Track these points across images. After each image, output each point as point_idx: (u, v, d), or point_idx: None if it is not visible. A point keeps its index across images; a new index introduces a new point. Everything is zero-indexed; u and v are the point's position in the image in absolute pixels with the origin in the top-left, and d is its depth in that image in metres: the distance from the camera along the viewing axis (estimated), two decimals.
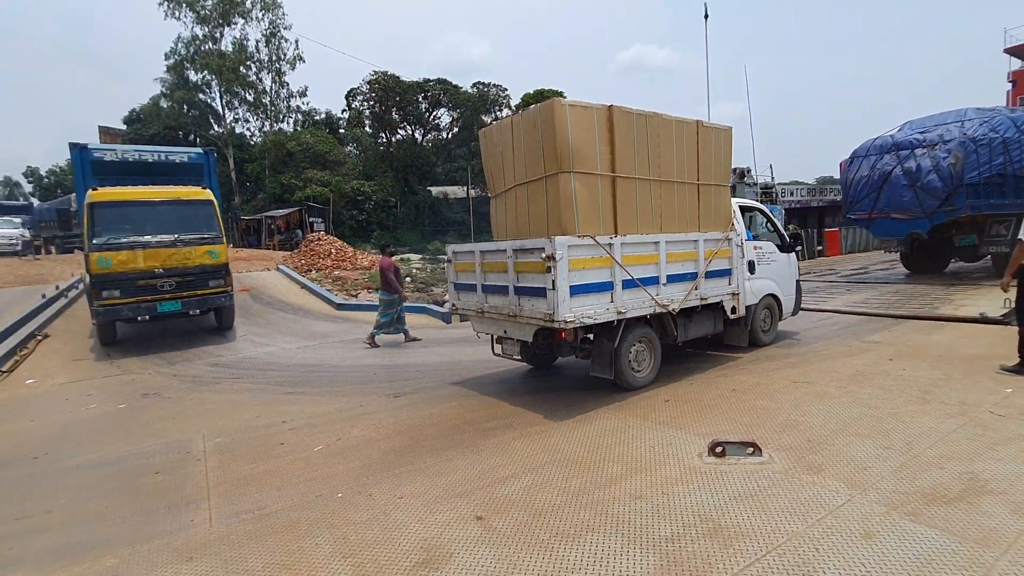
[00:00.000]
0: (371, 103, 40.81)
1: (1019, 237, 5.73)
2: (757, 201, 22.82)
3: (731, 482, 3.74)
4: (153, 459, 4.90)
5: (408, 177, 40.86)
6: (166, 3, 38.23)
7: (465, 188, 42.55)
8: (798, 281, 8.56)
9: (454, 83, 41.24)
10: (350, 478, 4.20)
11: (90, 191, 9.50)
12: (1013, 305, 6.03)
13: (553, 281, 5.04)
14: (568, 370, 7.31)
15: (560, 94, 40.18)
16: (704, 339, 7.19)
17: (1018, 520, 3.10)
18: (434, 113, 42.94)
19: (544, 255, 5.09)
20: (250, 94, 41.76)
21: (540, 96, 39.63)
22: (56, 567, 3.24)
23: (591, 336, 5.83)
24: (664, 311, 6.03)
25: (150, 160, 11.18)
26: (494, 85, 42.17)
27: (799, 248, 8.63)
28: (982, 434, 4.33)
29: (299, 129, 43.42)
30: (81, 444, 5.45)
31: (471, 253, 6.29)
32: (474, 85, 41.77)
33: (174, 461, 4.81)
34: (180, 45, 39.81)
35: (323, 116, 48.32)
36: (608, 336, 5.74)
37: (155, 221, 9.75)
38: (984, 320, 8.48)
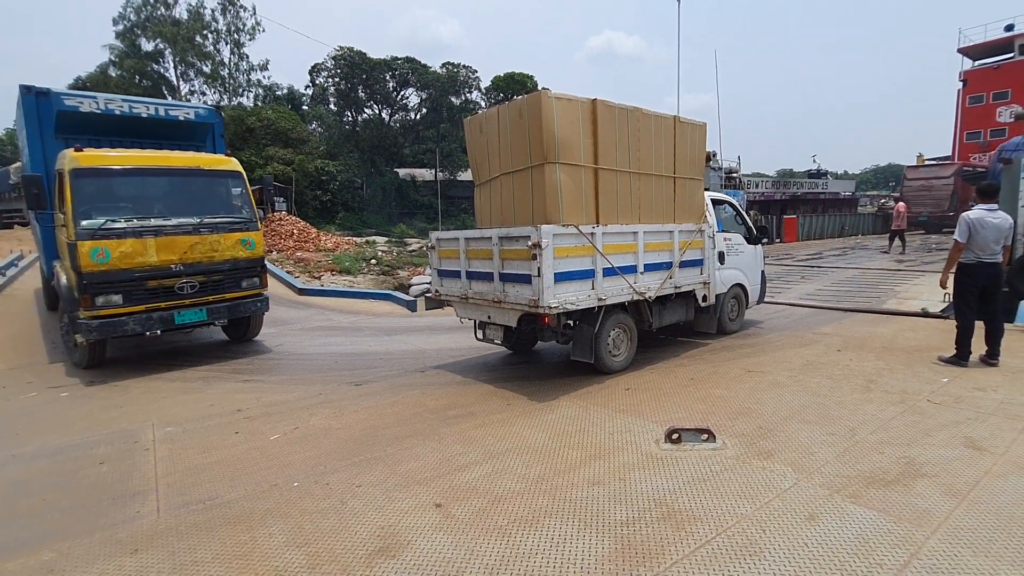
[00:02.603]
0: (336, 80, 39.66)
1: (955, 238, 6.03)
2: (720, 185, 23.29)
3: (686, 468, 3.84)
4: (97, 449, 4.69)
5: (375, 158, 40.04)
6: None
7: (433, 171, 41.99)
8: (763, 272, 8.89)
9: (423, 62, 40.45)
10: (307, 467, 4.12)
11: (71, 153, 6.66)
12: (951, 300, 6.38)
13: (538, 268, 5.15)
14: (541, 357, 7.37)
15: (531, 78, 39.94)
16: (676, 326, 7.42)
17: (948, 501, 3.30)
18: (402, 93, 42.10)
19: (530, 243, 5.19)
20: (207, 65, 39.90)
21: (511, 79, 39.30)
22: None
23: (572, 322, 6.01)
24: (641, 298, 6.25)
25: (143, 115, 8.07)
26: (464, 66, 41.59)
27: (765, 240, 8.90)
28: (919, 421, 4.57)
29: (260, 104, 41.80)
30: (18, 435, 5.17)
31: (455, 240, 6.32)
32: (443, 65, 41.11)
33: (120, 451, 4.62)
34: (130, 10, 37.60)
35: (285, 92, 46.68)
36: (589, 322, 5.90)
37: (166, 198, 7.27)
38: (925, 314, 8.94)
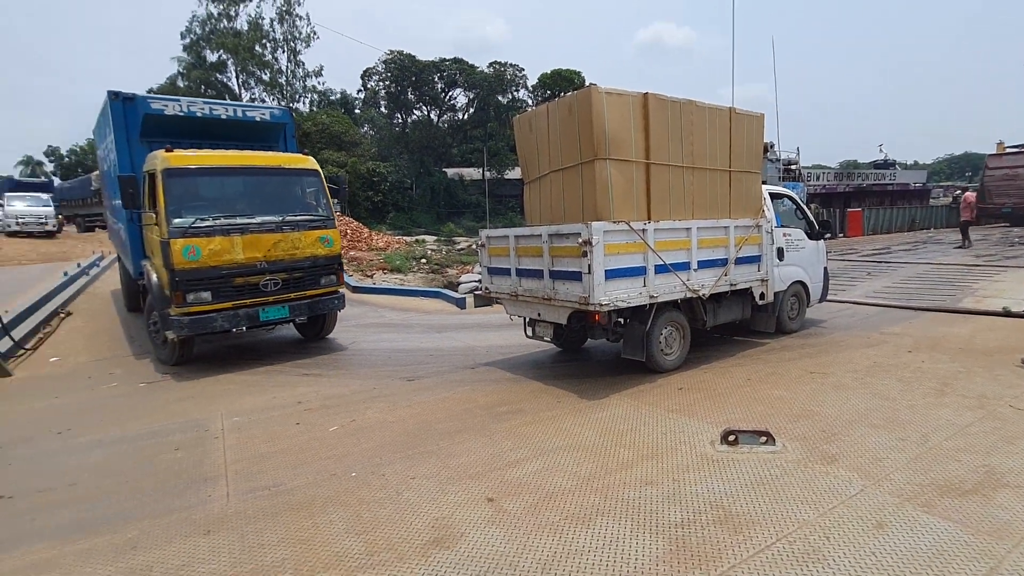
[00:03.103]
0: (387, 83, 40.64)
1: None
2: (778, 178, 22.31)
3: (743, 470, 3.74)
4: (172, 437, 5.01)
5: (424, 158, 40.79)
6: None
7: (481, 170, 42.37)
8: (826, 268, 8.48)
9: (470, 63, 40.85)
10: (364, 458, 4.27)
11: (162, 153, 6.83)
12: None
13: (589, 265, 5.13)
14: (590, 355, 7.32)
15: (578, 74, 39.62)
16: (732, 325, 7.21)
17: None
18: (450, 93, 42.67)
19: (580, 240, 5.17)
20: (266, 74, 41.79)
21: (557, 76, 39.10)
22: (77, 539, 3.35)
23: (623, 320, 5.95)
24: (694, 296, 6.11)
25: (222, 117, 8.22)
26: (511, 65, 41.73)
27: (828, 235, 8.47)
28: (1000, 427, 4.25)
29: (315, 109, 43.42)
30: (103, 421, 5.60)
31: (505, 238, 6.38)
32: (490, 65, 41.36)
33: (193, 439, 4.92)
34: (196, 24, 39.85)
35: (338, 96, 48.21)
36: (640, 320, 5.83)
37: (247, 197, 7.41)
38: (1008, 314, 8.29)
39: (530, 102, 42.49)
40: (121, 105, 7.81)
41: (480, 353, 7.63)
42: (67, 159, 58.52)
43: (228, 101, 8.75)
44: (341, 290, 8.03)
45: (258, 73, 41.53)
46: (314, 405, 5.66)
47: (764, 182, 7.41)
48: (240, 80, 41.50)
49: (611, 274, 5.29)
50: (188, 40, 40.38)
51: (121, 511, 3.67)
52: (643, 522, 3.17)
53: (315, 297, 7.61)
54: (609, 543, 2.98)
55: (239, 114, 8.49)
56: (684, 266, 5.99)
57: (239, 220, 7.03)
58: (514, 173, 42.68)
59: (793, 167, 25.32)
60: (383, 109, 43.99)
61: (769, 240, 7.05)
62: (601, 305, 5.17)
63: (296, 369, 7.22)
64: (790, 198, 8.18)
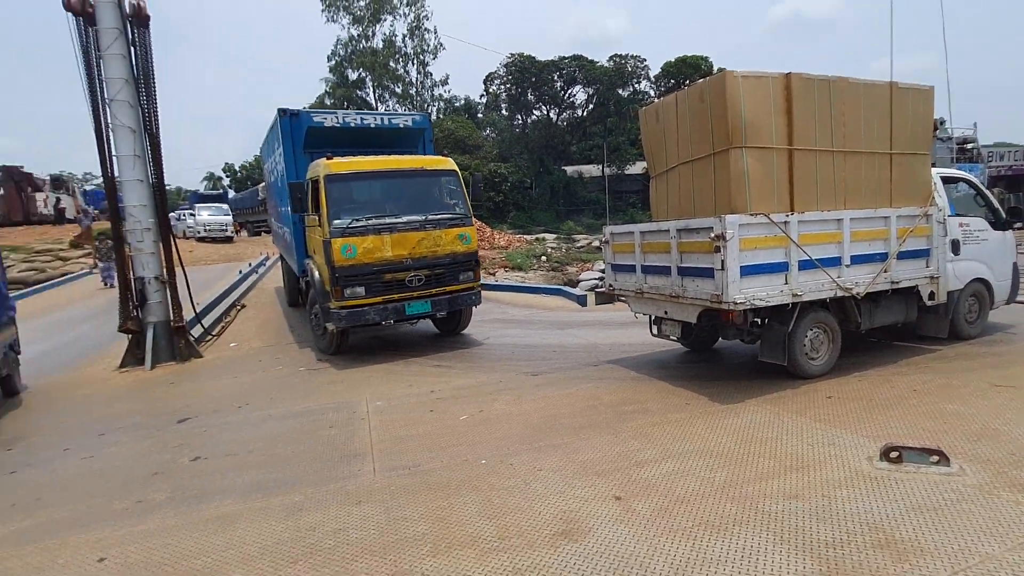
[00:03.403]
0: (507, 86, 41.74)
1: None
2: (951, 159, 19.25)
3: (908, 492, 3.30)
4: (327, 416, 5.63)
5: (543, 157, 41.30)
6: (327, 10, 42.47)
7: (600, 167, 41.88)
8: (1015, 264, 7.15)
9: (589, 58, 40.53)
10: (493, 447, 4.45)
11: (324, 161, 7.51)
12: None
13: (722, 261, 4.86)
14: (721, 357, 6.96)
15: (704, 60, 37.56)
16: (892, 328, 6.42)
17: None
18: (569, 91, 42.69)
19: (712, 235, 4.92)
20: (398, 87, 45.08)
21: (683, 64, 37.37)
22: (256, 497, 3.90)
23: (760, 320, 5.60)
24: (846, 295, 5.52)
25: (372, 126, 8.94)
26: (631, 56, 40.66)
27: (1018, 225, 7.15)
28: None
29: (441, 116, 45.95)
30: (272, 399, 6.45)
31: (630, 234, 6.27)
32: (610, 59, 40.67)
33: (344, 419, 5.49)
34: (339, 46, 44.15)
35: (462, 102, 50.50)
36: (781, 320, 5.41)
37: (393, 198, 7.95)
38: None
39: (652, 93, 41.11)
40: (288, 121, 8.77)
41: (603, 350, 7.56)
42: (239, 174, 67.89)
43: (373, 111, 9.60)
44: (478, 286, 8.33)
45: (392, 87, 44.94)
46: (445, 395, 6.01)
47: (933, 164, 6.45)
48: (376, 94, 45.24)
49: (747, 270, 4.95)
50: (333, 62, 44.91)
51: (289, 477, 4.21)
52: (786, 537, 2.94)
53: (454, 293, 7.96)
54: (747, 555, 2.80)
55: (385, 122, 9.28)
56: (834, 261, 5.42)
57: (387, 220, 7.56)
58: (635, 168, 41.59)
59: (969, 146, 21.69)
60: (504, 112, 45.26)
61: (940, 231, 6.15)
62: (735, 304, 4.86)
63: (429, 361, 7.72)
64: (968, 182, 7.04)
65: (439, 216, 7.87)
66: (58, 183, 33.97)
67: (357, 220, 7.38)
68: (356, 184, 7.76)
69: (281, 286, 14.31)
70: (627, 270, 6.40)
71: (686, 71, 38.28)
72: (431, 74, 46.28)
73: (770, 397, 5.15)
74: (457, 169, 8.37)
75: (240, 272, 17.36)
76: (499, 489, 3.71)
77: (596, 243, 25.25)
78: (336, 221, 7.28)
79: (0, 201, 28.85)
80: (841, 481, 3.49)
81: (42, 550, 3.39)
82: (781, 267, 5.16)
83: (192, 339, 9.16)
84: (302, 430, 5.28)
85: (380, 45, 43.76)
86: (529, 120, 44.32)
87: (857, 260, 5.55)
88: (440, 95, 48.17)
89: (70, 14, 8.15)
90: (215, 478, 4.30)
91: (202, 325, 10.24)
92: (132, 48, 8.49)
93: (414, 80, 45.77)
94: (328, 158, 7.58)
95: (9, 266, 17.79)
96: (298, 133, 8.72)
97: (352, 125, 8.84)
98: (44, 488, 4.40)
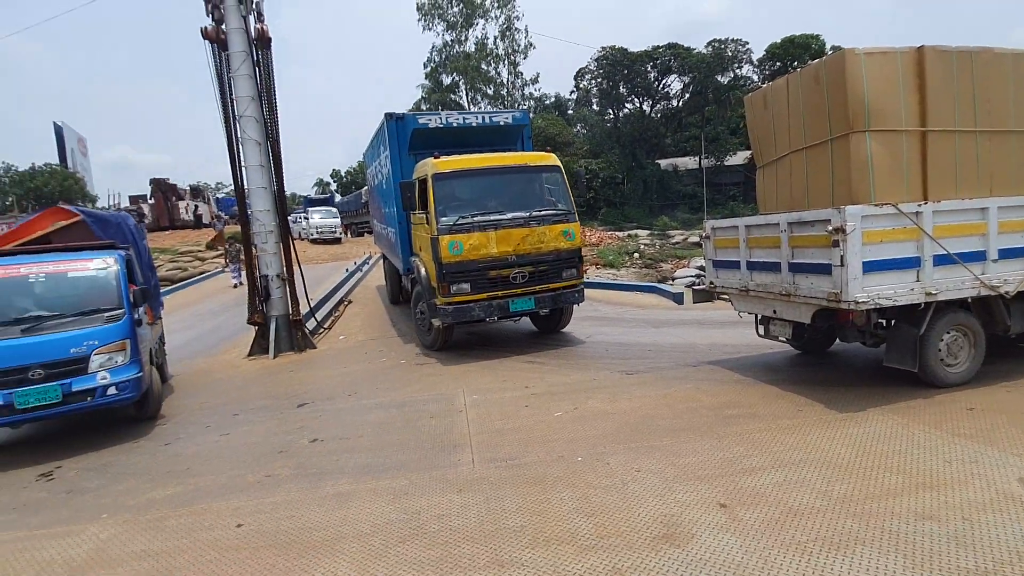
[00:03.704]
0: (599, 80, 41.09)
1: None
2: None
3: None
4: (427, 406, 5.90)
5: (636, 151, 40.20)
6: (423, 19, 44.23)
7: (696, 159, 40.05)
8: None
9: (685, 46, 38.82)
10: (588, 445, 4.43)
11: (432, 160, 7.69)
12: None
13: (841, 256, 4.46)
14: (837, 360, 6.44)
15: (815, 39, 34.74)
16: None
17: None
18: (663, 81, 41.18)
19: (830, 228, 4.52)
20: (490, 88, 45.93)
21: (790, 45, 34.77)
22: (366, 479, 4.19)
23: (886, 321, 5.11)
24: (992, 294, 4.88)
25: (474, 124, 9.06)
26: (732, 40, 38.37)
27: None
28: None
29: (532, 115, 46.21)
30: (378, 388, 6.87)
31: (734, 228, 5.98)
32: (708, 44, 38.67)
33: (442, 410, 5.72)
34: (435, 53, 45.82)
35: (553, 100, 50.46)
36: (911, 321, 4.88)
37: (498, 195, 7.90)
38: None
39: (755, 78, 38.59)
40: (395, 124, 9.02)
41: (701, 351, 7.25)
42: (345, 178, 72.83)
43: (474, 111, 9.46)
44: (581, 284, 8.22)
45: (483, 88, 45.89)
46: (540, 391, 6.07)
47: None
48: (468, 97, 46.42)
49: (871, 266, 4.50)
50: (429, 68, 46.70)
51: (395, 462, 4.47)
52: (919, 561, 2.66)
53: (558, 290, 7.88)
54: None
55: (486, 120, 9.32)
56: (977, 256, 4.80)
57: (493, 216, 7.61)
58: (735, 159, 39.30)
59: None
60: (595, 107, 44.62)
61: None
62: (857, 303, 4.43)
63: (522, 358, 7.82)
64: None
65: (543, 212, 7.83)
66: (196, 192, 38.58)
67: (463, 217, 7.48)
68: (462, 181, 7.80)
69: (382, 284, 15.17)
70: (730, 267, 6.07)
71: (794, 52, 35.44)
72: (521, 74, 46.66)
73: (897, 406, 4.66)
74: (561, 164, 8.29)
75: (346, 271, 18.65)
76: (596, 487, 3.70)
77: (692, 239, 24.20)
78: (443, 218, 7.41)
79: (150, 209, 33.32)
80: (986, 503, 3.10)
81: (192, 513, 3.88)
82: (911, 263, 4.64)
83: (307, 331, 9.99)
84: (405, 419, 5.58)
85: (472, 48, 44.86)
86: (621, 114, 43.32)
87: (1006, 254, 4.86)
88: (531, 94, 48.45)
89: (207, 42, 9.20)
90: (331, 459, 4.68)
91: (315, 319, 11.13)
92: (256, 68, 9.41)
93: (505, 80, 46.46)
94: (435, 157, 7.75)
95: (158, 266, 20.48)
96: (403, 135, 8.96)
97: (454, 125, 8.94)
98: (191, 459, 5.02)
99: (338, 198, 52.00)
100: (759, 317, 6.12)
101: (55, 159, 40.35)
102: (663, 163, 41.95)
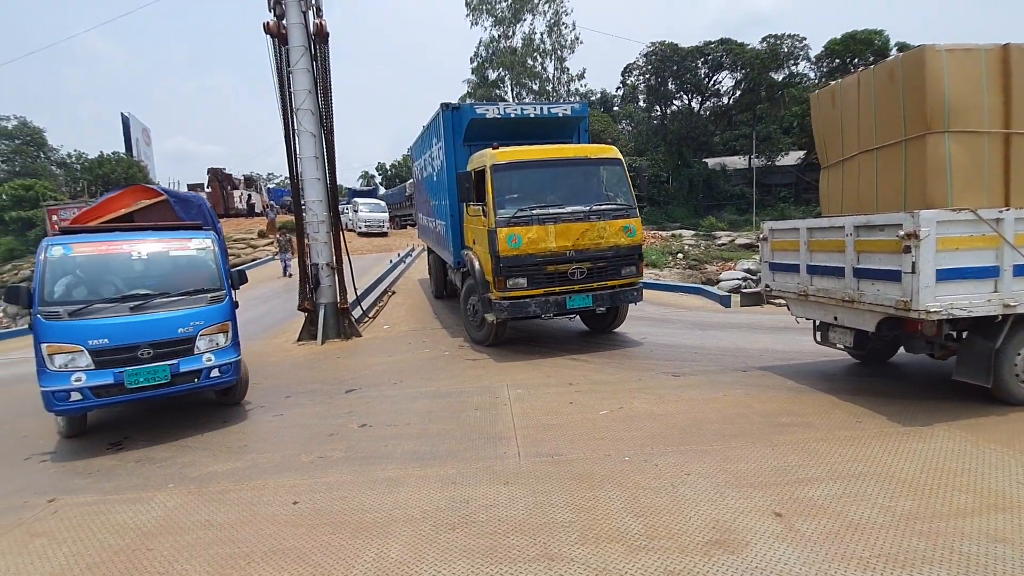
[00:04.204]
0: (647, 76, 40.33)
1: None
2: None
3: None
4: (471, 398, 5.96)
5: (682, 149, 39.31)
6: (471, 14, 44.41)
7: (746, 158, 38.87)
8: None
9: (739, 41, 37.63)
10: (635, 445, 4.39)
11: (490, 151, 7.55)
12: None
13: (913, 263, 4.26)
14: (899, 372, 6.16)
15: (879, 34, 33.13)
16: None
17: None
18: (714, 78, 40.06)
19: (902, 232, 4.31)
20: (535, 83, 45.78)
21: (851, 41, 33.27)
22: (415, 466, 4.28)
23: (957, 332, 4.85)
24: None
25: (532, 116, 8.85)
26: (788, 36, 36.96)
27: None
28: None
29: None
30: (422, 378, 6.99)
31: (794, 231, 5.74)
32: (763, 40, 37.35)
33: (486, 402, 5.77)
34: (481, 49, 45.97)
35: (598, 96, 49.88)
36: (987, 334, 4.63)
37: (556, 187, 7.68)
38: None
39: (812, 75, 37.04)
40: (450, 114, 8.89)
41: (751, 356, 7.05)
42: (389, 172, 74.14)
43: (532, 102, 8.98)
44: (640, 283, 7.97)
45: (529, 83, 45.76)
46: (583, 388, 6.05)
47: None
48: (514, 92, 46.39)
49: (945, 275, 4.27)
50: (475, 63, 46.89)
51: (442, 451, 4.55)
52: None
53: (616, 288, 7.66)
54: None
55: (544, 112, 9.05)
56: None
57: (552, 210, 7.39)
58: (787, 159, 37.94)
59: None
60: (641, 103, 43.84)
61: None
62: (928, 312, 4.22)
63: (565, 354, 7.80)
64: None
65: (603, 207, 7.59)
66: (249, 182, 40.03)
67: (522, 210, 7.30)
68: (521, 173, 7.58)
69: (424, 277, 15.38)
70: (788, 270, 5.87)
71: (855, 49, 33.79)
72: (567, 69, 46.29)
73: (966, 423, 4.42)
74: (621, 158, 8.06)
75: (390, 262, 19.02)
76: (645, 488, 3.66)
77: (740, 240, 23.53)
78: (501, 210, 7.26)
79: (207, 197, 34.76)
80: None
81: (251, 488, 4.06)
82: (989, 272, 4.38)
83: (353, 320, 10.25)
84: (450, 409, 5.65)
85: (519, 44, 44.78)
86: (668, 111, 42.41)
87: None
88: (576, 90, 47.99)
89: (268, 36, 9.52)
90: (379, 444, 4.79)
91: (361, 308, 11.41)
92: (313, 62, 9.67)
93: (551, 76, 46.18)
94: (494, 147, 7.61)
95: None
96: (459, 126, 8.83)
97: (512, 116, 8.76)
98: (248, 437, 5.25)
99: (382, 191, 52.97)
100: (817, 323, 5.89)
101: (122, 148, 42.64)
102: (710, 162, 40.88)
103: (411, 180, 26.00)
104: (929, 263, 4.22)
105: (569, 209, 7.42)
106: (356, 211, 30.77)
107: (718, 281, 16.76)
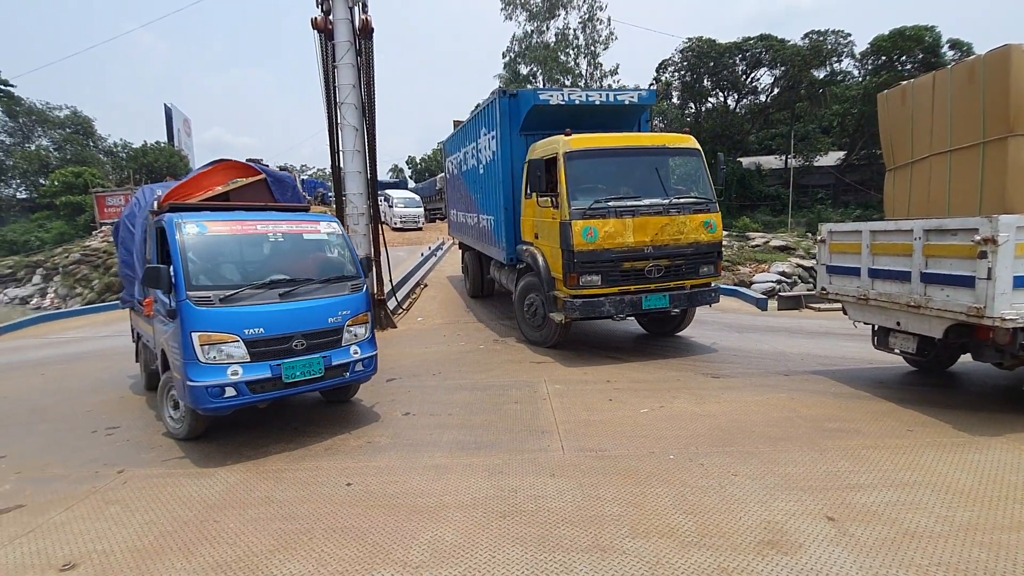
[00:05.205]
0: (682, 72, 39.72)
1: None
2: None
3: None
4: (511, 392, 6.04)
5: (715, 148, 38.63)
6: (506, 7, 44.32)
7: (782, 157, 38.00)
8: None
9: (779, 37, 36.73)
10: (679, 444, 4.40)
11: (563, 138, 6.98)
12: None
13: (989, 269, 4.14)
14: (958, 381, 6.01)
15: (930, 30, 31.96)
16: None
17: None
18: (752, 75, 39.23)
19: (978, 237, 4.19)
20: (568, 79, 45.49)
21: (900, 37, 32.18)
22: (460, 455, 4.38)
23: None
24: None
25: (597, 103, 8.26)
26: (832, 32, 35.91)
27: None
28: None
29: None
30: (461, 371, 7.09)
31: (856, 233, 5.57)
32: (805, 36, 36.38)
33: (526, 396, 5.84)
34: (514, 43, 45.87)
35: None
36: None
37: (630, 178, 7.15)
38: None
39: (856, 72, 35.97)
40: (507, 101, 8.37)
41: (793, 360, 6.95)
42: (419, 166, 74.79)
43: (598, 88, 8.24)
44: (715, 282, 7.45)
45: (561, 79, 45.50)
46: (622, 386, 6.06)
47: None
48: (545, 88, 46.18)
49: (1022, 282, 4.14)
50: (508, 59, 46.82)
51: (486, 441, 4.64)
52: None
53: (694, 288, 7.16)
54: None
55: (610, 99, 8.48)
56: None
57: (629, 202, 6.86)
58: (826, 159, 36.93)
59: None
60: (675, 100, 43.20)
61: None
62: (1003, 320, 4.09)
63: (601, 351, 7.81)
64: None
65: (683, 200, 7.07)
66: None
67: (598, 201, 6.77)
68: (596, 162, 7.05)
69: (454, 274, 15.43)
70: (847, 273, 5.69)
71: (903, 46, 32.58)
72: (601, 64, 45.85)
73: None
74: (700, 148, 7.53)
75: (421, 255, 19.25)
76: (692, 487, 3.68)
77: (775, 242, 23.05)
78: (575, 202, 6.71)
79: None
80: None
81: (306, 469, 4.22)
82: None
83: (389, 311, 10.44)
84: (491, 401, 5.74)
85: (553, 39, 44.55)
86: (703, 108, 41.68)
87: None
88: (609, 85, 47.55)
89: (315, 31, 9.72)
90: (424, 432, 4.91)
91: (396, 299, 11.60)
92: (358, 57, 9.84)
93: (583, 72, 45.83)
94: (567, 134, 7.06)
95: None
96: (516, 114, 8.30)
97: (576, 102, 8.19)
98: (297, 419, 5.42)
99: (411, 184, 53.37)
100: (876, 328, 5.71)
101: (164, 138, 44.00)
102: (745, 161, 40.02)
103: (442, 175, 26.12)
104: (1007, 269, 4.09)
105: (647, 202, 6.90)
106: (391, 205, 29.88)
107: (751, 283, 16.51)
